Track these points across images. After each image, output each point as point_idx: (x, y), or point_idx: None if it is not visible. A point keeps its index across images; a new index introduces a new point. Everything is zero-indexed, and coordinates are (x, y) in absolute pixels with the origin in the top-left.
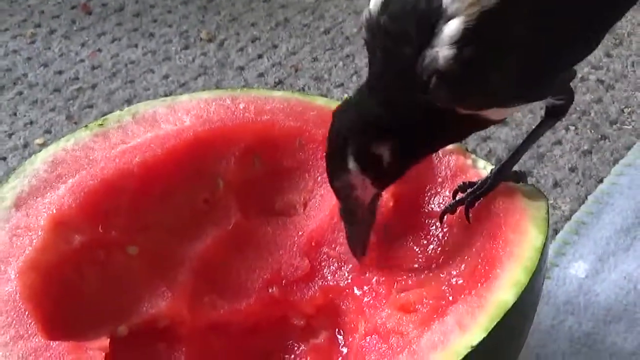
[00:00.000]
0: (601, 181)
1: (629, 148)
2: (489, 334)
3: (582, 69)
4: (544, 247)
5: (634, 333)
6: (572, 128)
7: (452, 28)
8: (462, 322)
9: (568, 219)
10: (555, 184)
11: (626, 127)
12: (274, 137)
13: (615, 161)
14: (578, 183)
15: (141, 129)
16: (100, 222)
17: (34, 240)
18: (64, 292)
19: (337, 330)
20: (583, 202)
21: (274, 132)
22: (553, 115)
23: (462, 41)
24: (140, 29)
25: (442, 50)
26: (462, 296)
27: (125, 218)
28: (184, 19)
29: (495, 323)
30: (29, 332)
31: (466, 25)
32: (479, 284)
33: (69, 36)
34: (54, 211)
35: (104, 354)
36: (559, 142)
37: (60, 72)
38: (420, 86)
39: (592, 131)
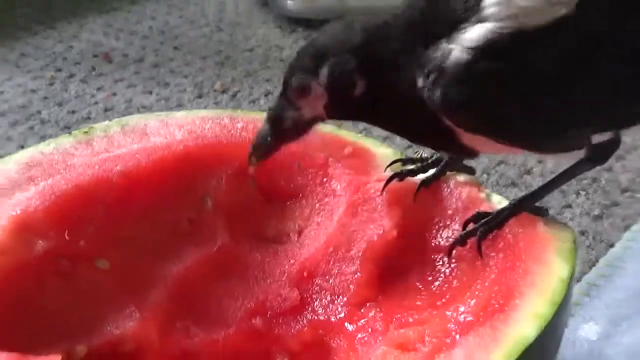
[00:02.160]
0: (612, 245)
1: None
2: None
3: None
4: (571, 279)
5: None
6: (583, 193)
7: (478, 32)
8: (472, 356)
9: (578, 280)
10: None
11: (638, 195)
12: (272, 159)
13: (627, 227)
14: (588, 246)
15: (128, 140)
16: (69, 229)
17: None
18: (19, 301)
19: None
20: (593, 265)
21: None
22: (593, 159)
23: (482, 50)
24: (156, 78)
25: (457, 50)
26: (473, 331)
27: (98, 229)
28: (200, 71)
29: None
30: None
31: (494, 36)
32: (494, 318)
33: (86, 80)
34: (18, 212)
35: None
36: (569, 206)
37: (73, 112)
38: (421, 74)
39: (603, 197)
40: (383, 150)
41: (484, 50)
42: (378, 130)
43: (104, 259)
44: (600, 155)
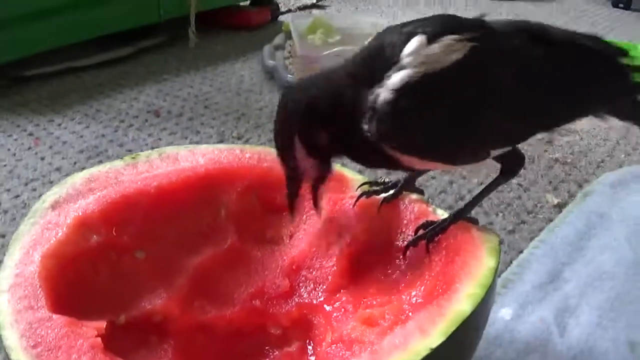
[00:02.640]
0: (521, 252)
1: (541, 230)
2: (448, 338)
3: None
4: (496, 270)
5: None
6: (501, 214)
7: (398, 77)
8: (422, 327)
9: (498, 276)
10: None
11: (539, 216)
12: (271, 180)
13: (531, 239)
14: (505, 252)
15: (164, 164)
16: (116, 228)
17: (59, 234)
18: (77, 281)
19: (307, 341)
20: (509, 266)
21: (271, 176)
22: (504, 175)
23: (401, 91)
24: (190, 128)
25: (384, 92)
26: (423, 309)
27: (138, 228)
28: (223, 123)
29: (453, 329)
30: (39, 304)
31: (409, 79)
32: (439, 298)
33: (141, 129)
34: (80, 213)
35: (96, 331)
36: (491, 223)
37: (130, 150)
38: (362, 115)
39: (515, 217)
40: (356, 176)
41: (403, 90)
42: (353, 164)
43: (141, 250)
44: (511, 170)
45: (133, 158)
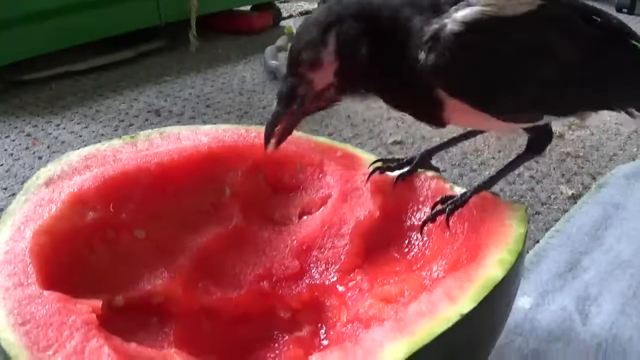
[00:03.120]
0: (537, 242)
1: (556, 220)
2: (479, 304)
3: (519, 168)
4: (525, 236)
5: (570, 350)
6: None
7: (467, 11)
8: (450, 294)
9: None
10: None
11: (553, 207)
12: (278, 159)
13: (547, 229)
14: None
15: (165, 143)
16: (114, 204)
17: (52, 210)
18: (72, 259)
19: (319, 324)
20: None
21: (278, 155)
22: (531, 151)
23: (471, 25)
24: None
25: (451, 23)
26: (450, 275)
27: (138, 206)
28: (225, 122)
29: (485, 294)
30: (29, 281)
31: (481, 15)
32: (466, 265)
33: (141, 128)
34: (75, 189)
35: (91, 308)
36: None
37: None
38: (417, 46)
39: (529, 209)
40: (367, 155)
41: (473, 25)
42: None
43: (141, 229)
44: (537, 147)
45: (132, 137)
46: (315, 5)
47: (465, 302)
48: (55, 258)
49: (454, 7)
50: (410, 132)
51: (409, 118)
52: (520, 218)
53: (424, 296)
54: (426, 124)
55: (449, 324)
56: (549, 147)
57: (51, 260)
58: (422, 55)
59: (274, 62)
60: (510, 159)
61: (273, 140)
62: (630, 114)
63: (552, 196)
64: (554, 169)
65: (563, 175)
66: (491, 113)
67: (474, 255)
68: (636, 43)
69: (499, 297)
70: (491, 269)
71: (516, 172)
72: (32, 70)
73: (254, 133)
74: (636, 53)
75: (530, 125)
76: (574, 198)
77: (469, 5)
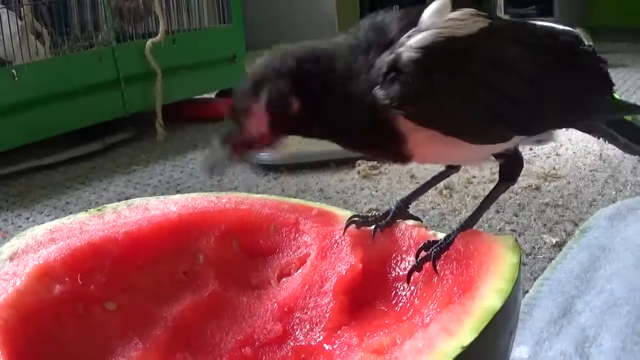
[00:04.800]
0: (527, 292)
1: (543, 269)
2: (480, 335)
3: (499, 223)
4: (519, 266)
5: None
6: None
7: (422, 36)
8: (448, 328)
9: None
10: None
11: (539, 257)
12: (251, 222)
13: (534, 278)
14: None
15: (133, 214)
16: (81, 276)
17: (17, 283)
18: (40, 334)
19: None
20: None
21: (251, 218)
22: (505, 180)
23: (428, 50)
24: None
25: (407, 51)
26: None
27: (107, 277)
28: None
29: (485, 325)
30: None
31: (435, 39)
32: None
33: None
34: (41, 262)
35: None
36: None
37: None
38: (371, 83)
39: None
40: (344, 212)
41: (429, 49)
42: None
43: (111, 301)
44: (509, 175)
45: (99, 210)
46: None
47: (465, 334)
48: (21, 333)
49: (405, 36)
50: (385, 200)
51: (382, 185)
52: (511, 247)
53: (419, 333)
54: (388, 161)
55: (450, 359)
56: (520, 174)
57: (17, 335)
58: (379, 91)
59: None
60: (487, 194)
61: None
62: (615, 140)
63: (536, 246)
64: (535, 220)
65: (545, 225)
66: (461, 136)
67: (468, 287)
68: (587, 50)
69: (500, 328)
70: (488, 298)
71: (497, 226)
72: (1, 166)
73: (225, 199)
74: (590, 62)
75: (500, 149)
76: (559, 246)
77: (420, 31)
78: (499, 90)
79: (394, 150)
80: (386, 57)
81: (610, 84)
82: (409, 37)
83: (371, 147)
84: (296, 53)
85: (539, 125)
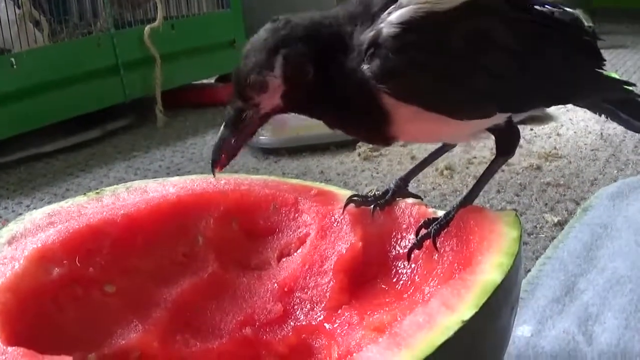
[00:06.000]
0: (529, 271)
1: (545, 248)
2: (480, 309)
3: (500, 203)
4: (520, 240)
5: None
6: None
7: (402, 12)
8: (448, 303)
9: None
10: None
11: (540, 236)
12: (251, 203)
13: (536, 257)
14: None
15: (132, 196)
16: (80, 259)
17: (15, 267)
18: (39, 317)
19: None
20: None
21: (251, 198)
22: (502, 154)
23: (407, 25)
24: None
25: (386, 27)
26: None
27: (106, 260)
28: None
29: (485, 299)
30: None
31: (415, 14)
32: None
33: None
34: (39, 245)
35: None
36: None
37: None
38: (358, 54)
39: None
40: (343, 191)
41: (409, 25)
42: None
43: (110, 284)
44: (506, 148)
45: (97, 193)
46: None
47: (465, 309)
48: (20, 316)
49: (386, 12)
50: (386, 181)
51: (383, 167)
52: (512, 223)
53: (419, 309)
54: (372, 143)
55: (450, 333)
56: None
57: (16, 318)
58: (364, 66)
59: None
60: (485, 169)
61: (218, 166)
62: (616, 117)
63: (538, 226)
64: (536, 199)
65: (546, 204)
66: (443, 112)
67: (468, 262)
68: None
69: (501, 302)
70: (489, 273)
71: (498, 206)
72: (1, 154)
73: (224, 180)
74: (580, 39)
75: (488, 125)
76: (560, 225)
77: (400, 7)
78: (480, 66)
79: (378, 129)
80: (368, 33)
81: (599, 59)
82: (389, 13)
83: (359, 126)
84: (302, 24)
85: (524, 102)
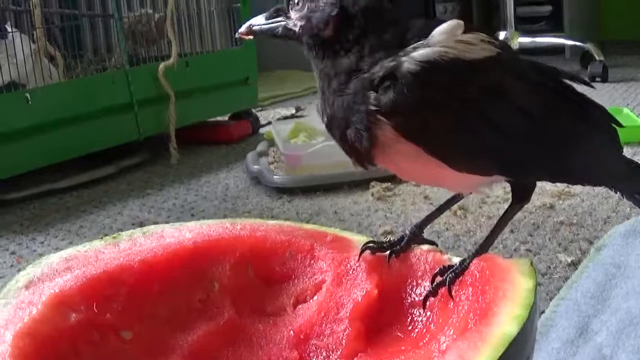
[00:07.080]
0: (543, 312)
1: (559, 289)
2: None
3: (514, 243)
4: (535, 290)
5: None
6: None
7: (427, 52)
8: (465, 356)
9: None
10: None
11: (554, 276)
12: (266, 249)
13: (550, 298)
14: None
15: (149, 241)
16: (97, 305)
17: (33, 312)
18: None
19: None
20: None
21: (266, 244)
22: (518, 201)
23: (429, 65)
24: None
25: (408, 62)
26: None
27: (122, 306)
28: None
29: (501, 353)
30: None
31: (439, 56)
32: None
33: None
34: (57, 291)
35: None
36: None
37: None
38: (373, 78)
39: None
40: (358, 237)
41: (430, 65)
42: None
43: (127, 330)
44: (522, 196)
45: (114, 237)
46: (293, 111)
47: None
48: None
49: (412, 46)
50: (400, 222)
51: (396, 207)
52: (527, 272)
53: None
54: (351, 159)
55: None
56: (533, 194)
57: None
58: (372, 94)
59: (256, 166)
60: (500, 216)
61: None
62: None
63: (552, 266)
64: (549, 239)
65: (560, 244)
66: (442, 158)
67: (484, 314)
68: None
69: (517, 354)
70: (505, 325)
71: (512, 246)
72: (15, 189)
73: (240, 226)
74: (605, 123)
75: (486, 182)
76: (574, 265)
77: (428, 45)
78: (491, 121)
79: (362, 148)
80: (388, 62)
81: (618, 148)
82: (415, 48)
83: (345, 131)
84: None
85: (527, 169)
